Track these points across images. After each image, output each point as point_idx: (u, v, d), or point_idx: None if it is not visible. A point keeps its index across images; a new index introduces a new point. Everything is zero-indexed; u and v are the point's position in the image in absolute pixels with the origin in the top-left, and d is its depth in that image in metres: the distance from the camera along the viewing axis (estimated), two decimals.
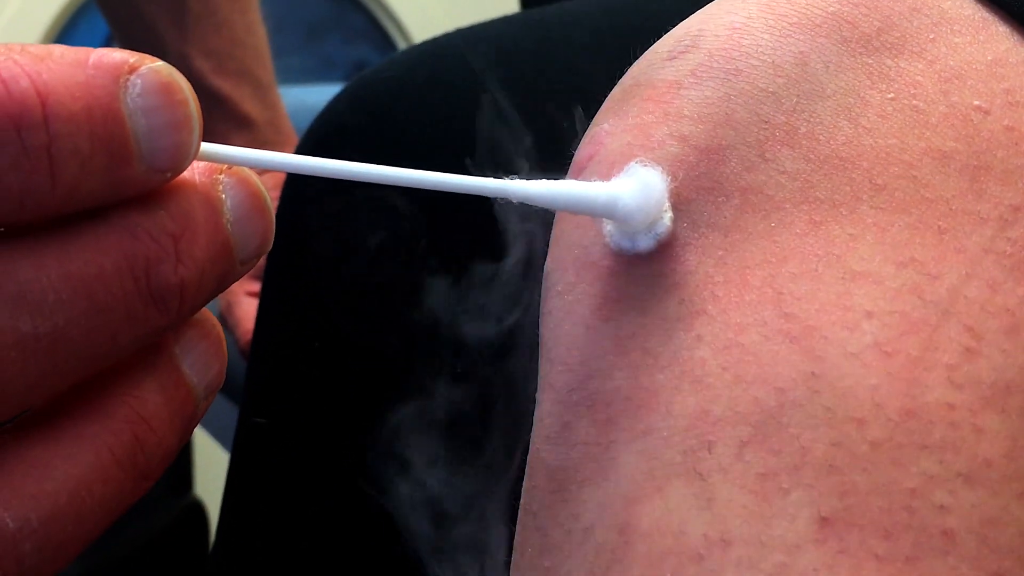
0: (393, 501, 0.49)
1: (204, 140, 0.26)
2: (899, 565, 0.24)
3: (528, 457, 0.30)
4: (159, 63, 0.25)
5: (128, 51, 0.25)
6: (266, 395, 0.55)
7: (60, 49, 0.24)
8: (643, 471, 0.27)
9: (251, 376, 0.57)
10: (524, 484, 0.30)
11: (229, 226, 0.27)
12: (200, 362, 0.28)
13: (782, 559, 0.24)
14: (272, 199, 0.29)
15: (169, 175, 0.25)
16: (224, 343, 0.29)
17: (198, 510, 1.45)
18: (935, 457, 0.25)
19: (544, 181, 0.28)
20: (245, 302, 0.98)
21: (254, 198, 0.27)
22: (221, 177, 0.27)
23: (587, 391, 0.28)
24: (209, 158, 0.27)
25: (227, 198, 0.27)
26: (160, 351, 0.28)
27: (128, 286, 0.25)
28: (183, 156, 0.25)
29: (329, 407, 0.52)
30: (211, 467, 1.47)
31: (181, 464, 1.49)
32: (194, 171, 0.27)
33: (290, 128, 0.94)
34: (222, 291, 0.28)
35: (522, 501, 0.30)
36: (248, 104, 0.94)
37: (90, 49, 0.24)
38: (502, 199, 0.28)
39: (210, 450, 1.42)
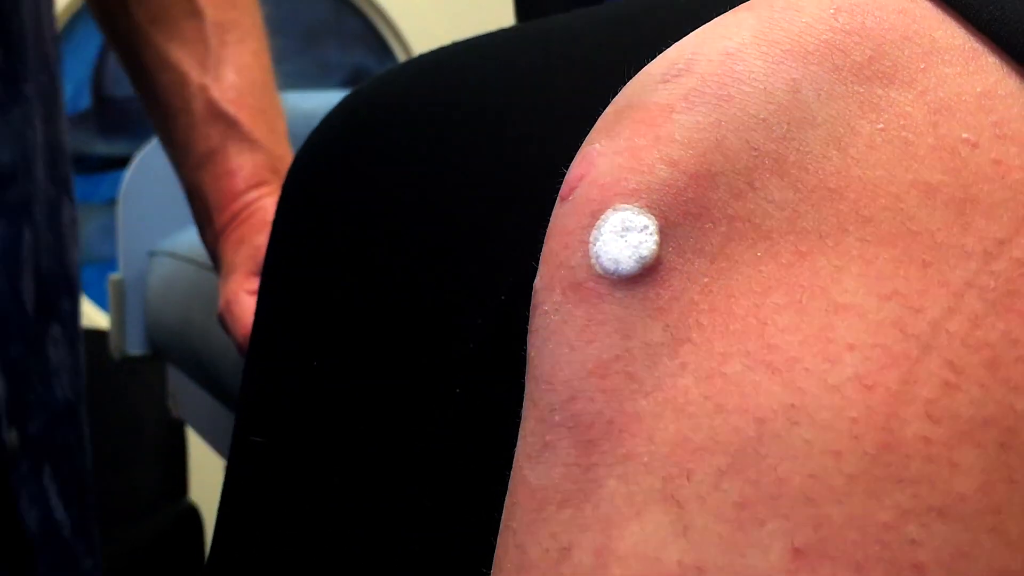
0: (388, 519, 0.49)
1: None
2: None
3: (511, 473, 0.30)
4: None
5: None
6: (261, 412, 0.55)
7: None
8: (622, 495, 0.27)
9: (245, 392, 0.56)
10: (506, 500, 0.30)
11: None
12: None
13: None
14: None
15: None
16: None
17: (193, 515, 1.45)
18: (910, 491, 0.25)
19: None
20: (244, 300, 0.98)
21: None
22: None
23: (569, 412, 0.28)
24: None
25: None
26: None
27: None
28: None
29: (326, 426, 0.52)
30: (206, 472, 1.48)
31: (176, 469, 1.49)
32: None
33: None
34: None
35: (503, 517, 0.30)
36: (260, 134, 0.97)
37: None
38: None
39: (205, 455, 1.42)
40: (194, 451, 1.51)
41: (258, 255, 0.86)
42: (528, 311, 0.32)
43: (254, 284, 0.97)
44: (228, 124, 0.95)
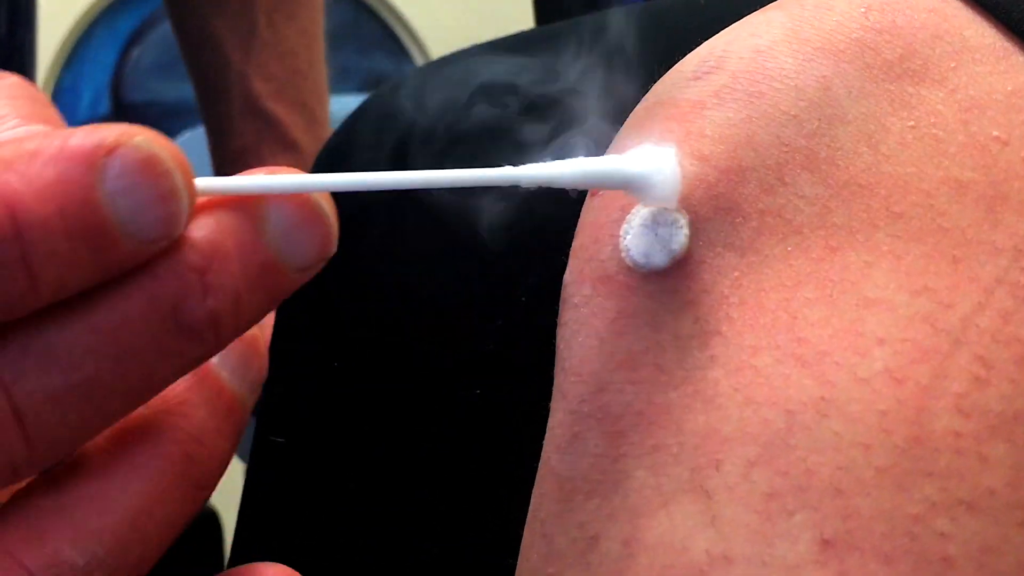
0: (410, 520, 0.49)
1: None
2: None
3: (539, 465, 0.30)
4: (139, 137, 0.24)
5: (107, 128, 0.24)
6: (282, 414, 0.55)
7: (33, 144, 0.24)
8: (651, 486, 0.27)
9: (267, 392, 0.57)
10: (533, 491, 0.30)
11: (273, 243, 0.26)
12: (240, 366, 0.29)
13: None
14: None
15: (164, 243, 0.25)
16: (260, 339, 0.30)
17: (212, 520, 1.45)
18: (939, 484, 0.25)
19: (553, 163, 0.28)
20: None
21: (304, 207, 0.27)
22: None
23: (598, 403, 0.28)
24: (207, 193, 0.26)
25: (271, 213, 0.26)
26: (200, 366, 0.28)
27: (155, 327, 0.25)
28: (173, 226, 0.25)
29: (347, 428, 0.52)
30: (226, 476, 1.47)
31: None
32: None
33: None
34: (279, 301, 0.27)
35: (530, 507, 0.30)
36: (298, 132, 0.96)
37: (66, 133, 0.24)
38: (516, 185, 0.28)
39: None
40: None
41: None
42: (548, 311, 0.32)
43: None
44: (265, 122, 0.94)
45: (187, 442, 0.27)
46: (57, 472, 0.26)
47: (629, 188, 0.29)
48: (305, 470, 0.54)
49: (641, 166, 0.28)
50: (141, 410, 0.27)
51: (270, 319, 0.90)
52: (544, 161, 0.28)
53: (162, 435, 0.27)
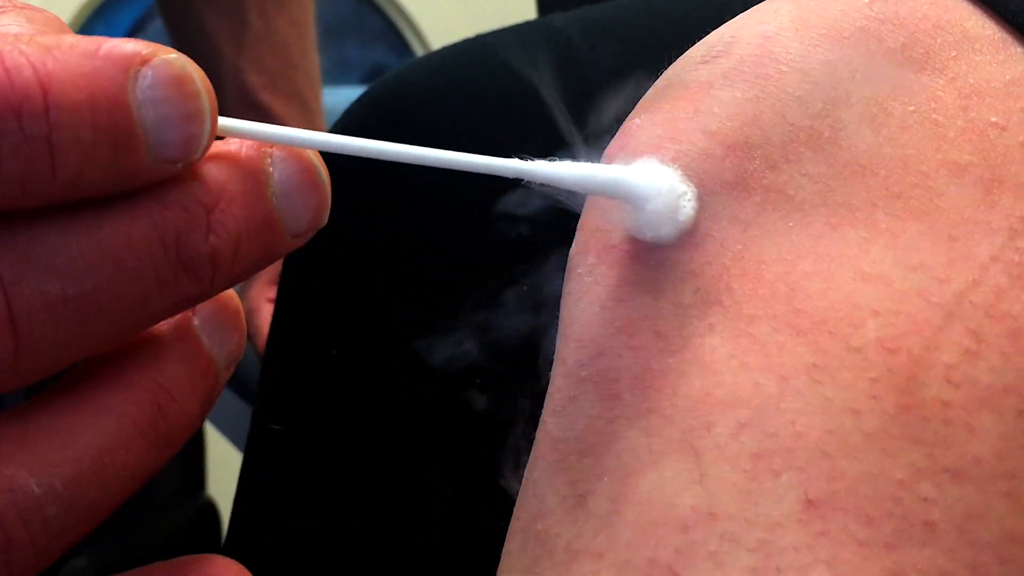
0: (407, 506, 0.49)
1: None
2: (877, 550, 0.25)
3: (536, 432, 0.31)
4: (173, 55, 0.25)
5: (143, 42, 0.25)
6: (280, 400, 0.55)
7: (72, 39, 0.24)
8: (642, 446, 0.28)
9: (264, 380, 0.57)
10: (529, 457, 0.31)
11: (274, 199, 0.27)
12: (219, 333, 0.29)
13: (764, 536, 0.25)
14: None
15: (180, 166, 0.25)
16: (242, 314, 0.30)
17: (210, 510, 1.45)
18: (925, 451, 0.26)
19: (559, 163, 0.29)
20: (266, 309, 0.98)
21: (305, 172, 0.28)
22: (271, 151, 0.28)
23: (596, 367, 0.29)
24: (227, 133, 0.27)
25: (275, 171, 0.27)
26: (180, 324, 0.29)
27: (157, 253, 0.25)
28: (194, 148, 0.25)
29: (344, 415, 0.52)
30: (224, 467, 1.48)
31: (194, 464, 1.49)
32: (241, 144, 0.27)
33: None
34: (271, 261, 0.28)
35: (525, 472, 0.31)
36: (294, 123, 0.96)
37: (104, 39, 0.24)
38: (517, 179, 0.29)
39: (223, 450, 1.43)
40: (212, 446, 1.52)
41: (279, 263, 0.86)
42: (551, 288, 0.33)
43: (275, 292, 0.98)
44: (260, 114, 0.94)
45: (159, 393, 0.27)
46: (25, 404, 0.26)
47: (628, 200, 0.29)
48: (302, 457, 0.54)
49: (644, 183, 0.29)
50: (117, 354, 0.27)
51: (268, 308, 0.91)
52: (552, 159, 0.30)
53: (135, 381, 0.27)
